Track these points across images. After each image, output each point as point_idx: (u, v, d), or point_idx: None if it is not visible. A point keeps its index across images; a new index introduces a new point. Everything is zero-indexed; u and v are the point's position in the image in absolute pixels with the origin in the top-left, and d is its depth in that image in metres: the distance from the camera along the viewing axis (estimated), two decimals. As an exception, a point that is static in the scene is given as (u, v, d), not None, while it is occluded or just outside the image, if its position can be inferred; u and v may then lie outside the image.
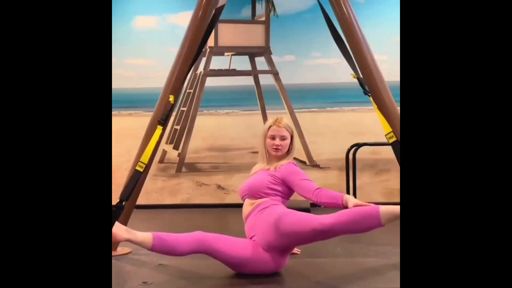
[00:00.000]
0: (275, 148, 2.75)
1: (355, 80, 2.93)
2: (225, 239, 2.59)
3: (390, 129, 2.59)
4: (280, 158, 2.78)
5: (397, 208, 2.40)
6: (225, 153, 5.55)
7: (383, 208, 2.41)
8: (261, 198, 2.67)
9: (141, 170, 2.73)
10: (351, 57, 2.76)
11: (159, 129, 2.79)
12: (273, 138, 2.75)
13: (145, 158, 2.74)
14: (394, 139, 2.58)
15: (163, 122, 2.82)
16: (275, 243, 2.51)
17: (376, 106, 2.66)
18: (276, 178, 2.70)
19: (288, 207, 2.71)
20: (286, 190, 2.74)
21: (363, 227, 2.41)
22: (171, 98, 2.80)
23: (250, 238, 2.63)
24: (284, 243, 2.54)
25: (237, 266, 2.58)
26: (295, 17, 5.62)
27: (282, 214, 2.54)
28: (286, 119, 2.86)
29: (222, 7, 2.81)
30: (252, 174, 2.84)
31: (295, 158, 5.97)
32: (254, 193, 2.69)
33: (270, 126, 2.78)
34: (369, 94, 2.73)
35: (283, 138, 2.76)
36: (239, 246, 2.57)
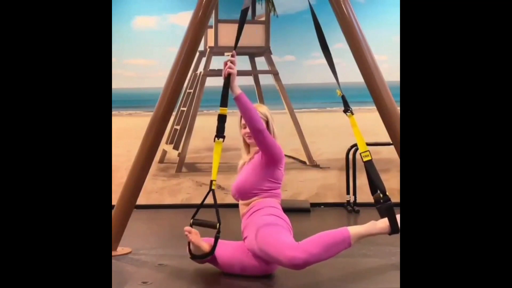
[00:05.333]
0: (248, 136, 2.70)
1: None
2: (223, 248, 2.64)
3: (366, 148, 2.51)
4: (256, 146, 2.69)
5: (365, 228, 2.45)
6: (225, 153, 5.51)
7: (353, 231, 2.42)
8: (253, 197, 2.66)
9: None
10: (334, 66, 2.72)
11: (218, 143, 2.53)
12: (245, 126, 2.69)
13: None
14: (369, 158, 2.49)
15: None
16: (258, 253, 2.51)
17: (355, 123, 2.58)
18: (256, 166, 2.63)
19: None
20: (272, 175, 2.65)
21: (334, 253, 2.39)
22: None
23: (244, 238, 2.65)
24: (263, 256, 2.49)
25: (227, 267, 2.60)
26: (295, 17, 5.62)
27: (263, 225, 2.47)
28: (263, 108, 2.77)
29: (247, 8, 2.76)
30: (239, 172, 2.81)
31: (295, 158, 5.98)
32: (244, 196, 2.68)
33: (241, 116, 2.69)
34: (348, 113, 2.62)
35: None
36: (229, 248, 2.62)
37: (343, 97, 2.64)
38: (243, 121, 2.71)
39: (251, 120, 2.50)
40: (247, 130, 2.66)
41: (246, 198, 2.67)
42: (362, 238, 2.46)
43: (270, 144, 2.56)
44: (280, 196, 2.73)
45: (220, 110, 2.56)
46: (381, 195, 2.44)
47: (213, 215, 2.46)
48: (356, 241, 2.43)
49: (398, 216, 2.44)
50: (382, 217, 2.49)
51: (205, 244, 2.51)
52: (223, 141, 2.53)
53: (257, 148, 2.68)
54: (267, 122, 2.71)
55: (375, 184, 2.48)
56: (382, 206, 2.44)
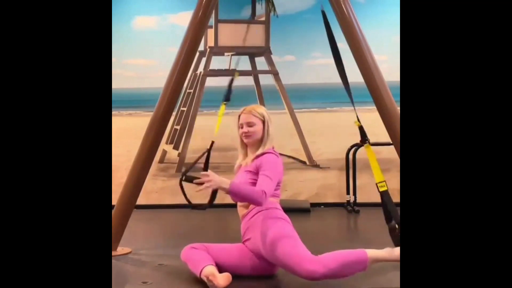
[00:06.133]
0: (244, 136, 2.69)
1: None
2: (214, 247, 2.68)
3: (383, 179, 2.52)
4: (253, 146, 2.70)
5: (382, 253, 2.49)
6: (225, 153, 5.54)
7: (370, 254, 2.46)
8: None
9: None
10: (347, 82, 2.75)
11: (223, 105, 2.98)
12: (241, 126, 2.71)
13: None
14: (385, 188, 2.50)
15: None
16: (267, 258, 2.52)
17: (372, 154, 2.60)
18: (254, 174, 2.61)
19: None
20: None
21: (350, 272, 2.42)
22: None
23: (245, 240, 2.65)
24: (274, 262, 2.52)
25: (235, 271, 2.59)
26: (295, 17, 5.62)
27: (279, 237, 2.46)
28: (261, 108, 2.77)
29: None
30: (235, 173, 2.80)
31: (294, 158, 5.99)
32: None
33: (239, 115, 2.74)
34: (366, 144, 2.63)
35: (250, 125, 2.67)
36: (230, 252, 2.63)
37: (361, 127, 2.64)
38: (240, 121, 2.71)
39: (252, 202, 2.51)
40: (245, 129, 2.67)
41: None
42: (378, 262, 2.49)
43: (273, 190, 2.55)
44: (280, 196, 2.73)
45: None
46: (397, 226, 2.46)
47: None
48: (371, 264, 2.46)
49: None
50: (396, 245, 2.53)
51: (220, 276, 2.46)
52: (226, 104, 2.96)
53: (254, 154, 2.68)
54: (263, 122, 2.71)
55: (391, 215, 2.49)
56: (398, 236, 2.47)
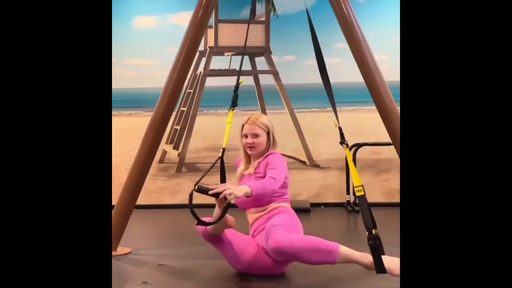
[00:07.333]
0: (248, 147, 2.70)
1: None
2: (236, 233, 2.65)
3: (360, 183, 2.34)
4: (258, 156, 2.71)
5: (356, 254, 2.39)
6: (225, 153, 5.55)
7: (342, 249, 2.37)
8: (268, 204, 2.65)
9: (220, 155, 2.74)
10: (331, 92, 2.74)
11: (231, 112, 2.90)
12: (246, 136, 2.71)
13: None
14: (362, 193, 2.32)
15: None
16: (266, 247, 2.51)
17: (350, 157, 2.52)
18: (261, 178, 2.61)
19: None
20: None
21: (316, 259, 2.35)
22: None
23: (255, 235, 2.65)
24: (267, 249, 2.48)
25: (242, 263, 2.59)
26: (295, 17, 5.61)
27: (275, 224, 2.48)
28: (263, 118, 2.78)
29: None
30: (239, 178, 2.78)
31: (295, 158, 5.99)
32: (258, 203, 2.65)
33: (243, 125, 2.74)
34: (344, 145, 2.54)
35: (255, 135, 2.68)
36: (246, 244, 2.61)
37: (340, 128, 2.58)
38: (244, 131, 2.72)
39: (269, 192, 2.48)
40: (249, 140, 2.68)
41: (260, 205, 2.65)
42: (349, 261, 2.40)
43: (280, 179, 2.55)
44: (289, 200, 2.74)
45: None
46: (367, 233, 2.26)
47: (211, 214, 2.45)
48: (341, 261, 2.38)
49: (387, 257, 2.30)
50: (372, 252, 2.31)
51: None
52: (233, 109, 2.87)
53: (257, 161, 2.69)
54: (268, 133, 2.71)
55: (363, 220, 2.30)
56: (369, 245, 2.26)
